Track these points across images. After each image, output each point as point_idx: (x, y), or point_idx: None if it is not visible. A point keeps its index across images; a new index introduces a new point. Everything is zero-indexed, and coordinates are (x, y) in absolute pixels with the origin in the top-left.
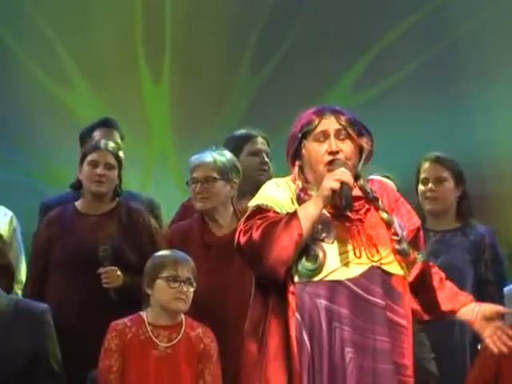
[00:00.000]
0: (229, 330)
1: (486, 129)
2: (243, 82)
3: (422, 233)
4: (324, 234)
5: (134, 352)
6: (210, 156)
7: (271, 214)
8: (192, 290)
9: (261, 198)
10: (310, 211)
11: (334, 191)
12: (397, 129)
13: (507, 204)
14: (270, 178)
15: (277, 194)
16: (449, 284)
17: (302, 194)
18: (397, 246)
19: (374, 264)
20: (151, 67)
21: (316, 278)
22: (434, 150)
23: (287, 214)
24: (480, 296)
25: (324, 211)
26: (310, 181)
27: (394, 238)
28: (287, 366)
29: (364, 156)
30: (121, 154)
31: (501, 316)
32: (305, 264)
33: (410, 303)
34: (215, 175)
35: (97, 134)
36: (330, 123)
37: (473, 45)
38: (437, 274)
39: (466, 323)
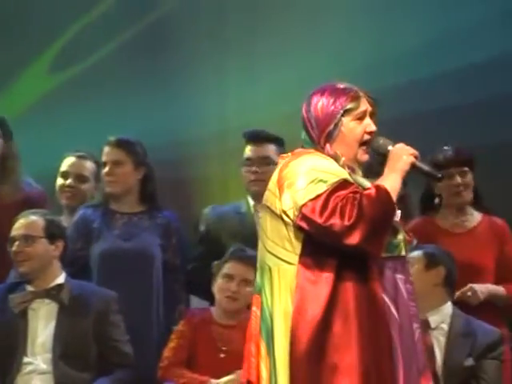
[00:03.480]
0: None
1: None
2: None
3: None
4: None
5: None
6: None
7: (358, 189)
8: None
9: (328, 172)
10: (395, 185)
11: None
12: (103, 111)
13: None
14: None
15: (339, 169)
16: None
17: (350, 171)
18: (404, 226)
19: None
20: None
21: (396, 253)
22: (143, 132)
23: (370, 187)
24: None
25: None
26: None
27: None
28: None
29: None
30: None
31: None
32: (390, 239)
33: None
34: None
35: None
36: (365, 103)
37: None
38: None
39: None
